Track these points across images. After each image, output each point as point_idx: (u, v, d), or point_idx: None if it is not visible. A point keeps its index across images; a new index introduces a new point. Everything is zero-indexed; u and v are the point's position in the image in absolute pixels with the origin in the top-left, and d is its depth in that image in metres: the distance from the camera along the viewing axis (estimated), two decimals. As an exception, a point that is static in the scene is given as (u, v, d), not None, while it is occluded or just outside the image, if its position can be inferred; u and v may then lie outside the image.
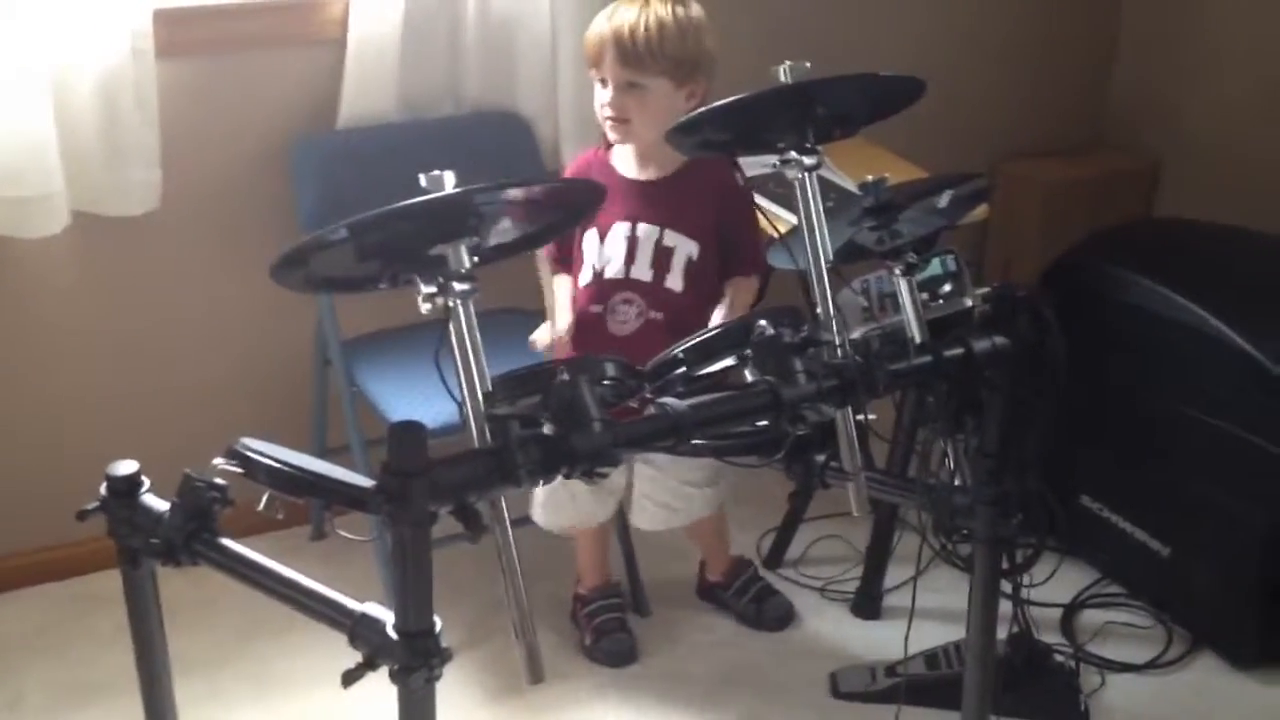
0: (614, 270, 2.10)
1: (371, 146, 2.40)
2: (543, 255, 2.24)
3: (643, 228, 2.08)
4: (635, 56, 1.99)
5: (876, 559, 2.45)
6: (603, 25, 2.02)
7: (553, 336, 2.08)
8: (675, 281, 2.09)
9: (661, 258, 2.09)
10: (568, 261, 2.16)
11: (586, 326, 2.10)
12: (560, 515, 2.28)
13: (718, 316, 2.06)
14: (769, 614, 2.43)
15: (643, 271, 2.09)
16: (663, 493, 2.27)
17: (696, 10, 2.05)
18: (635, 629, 2.38)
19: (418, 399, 2.21)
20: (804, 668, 2.32)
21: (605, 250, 2.09)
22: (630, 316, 2.10)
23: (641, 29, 1.99)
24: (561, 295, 2.14)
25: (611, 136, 2.09)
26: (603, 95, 2.05)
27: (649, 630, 2.41)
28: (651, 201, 2.09)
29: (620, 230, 2.09)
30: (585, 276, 2.12)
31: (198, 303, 2.49)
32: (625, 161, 2.13)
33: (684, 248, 2.09)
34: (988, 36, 3.13)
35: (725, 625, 2.45)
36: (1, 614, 2.43)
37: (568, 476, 1.32)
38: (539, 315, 2.25)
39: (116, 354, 2.46)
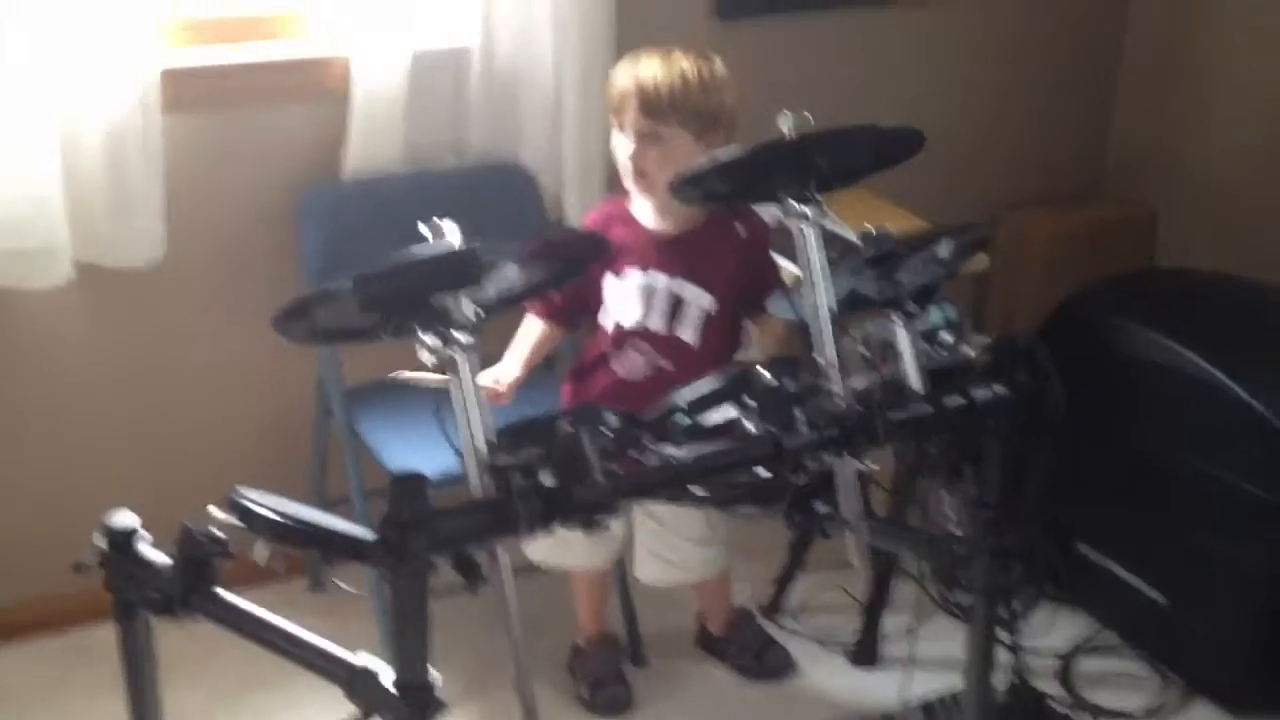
0: (630, 319, 2.11)
1: (376, 198, 2.41)
2: None
3: (658, 278, 2.10)
4: (658, 109, 2.01)
5: (875, 608, 2.43)
6: (627, 76, 2.04)
7: (493, 378, 2.01)
8: (688, 334, 2.10)
9: (675, 309, 2.10)
10: (553, 308, 2.14)
11: (601, 367, 2.13)
12: (553, 554, 2.26)
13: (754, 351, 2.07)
14: (768, 664, 2.42)
15: (656, 321, 2.10)
16: (662, 546, 2.27)
17: (719, 67, 2.07)
18: (632, 679, 2.37)
19: (419, 448, 2.18)
20: (802, 717, 2.30)
21: (621, 296, 2.11)
22: (639, 364, 2.11)
23: (666, 82, 2.00)
24: (521, 340, 2.13)
25: (632, 190, 2.10)
26: (625, 146, 2.06)
27: (646, 681, 2.39)
28: (669, 254, 2.10)
29: (635, 279, 2.10)
30: (609, 323, 2.13)
31: (201, 353, 2.49)
32: (646, 213, 2.14)
33: (698, 301, 2.10)
34: (987, 86, 3.15)
35: (723, 675, 2.43)
36: (4, 663, 2.41)
37: (568, 527, 1.32)
38: (541, 364, 2.25)
39: (119, 403, 2.46)
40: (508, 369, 2.07)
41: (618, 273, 2.11)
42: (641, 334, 2.11)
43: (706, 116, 2.03)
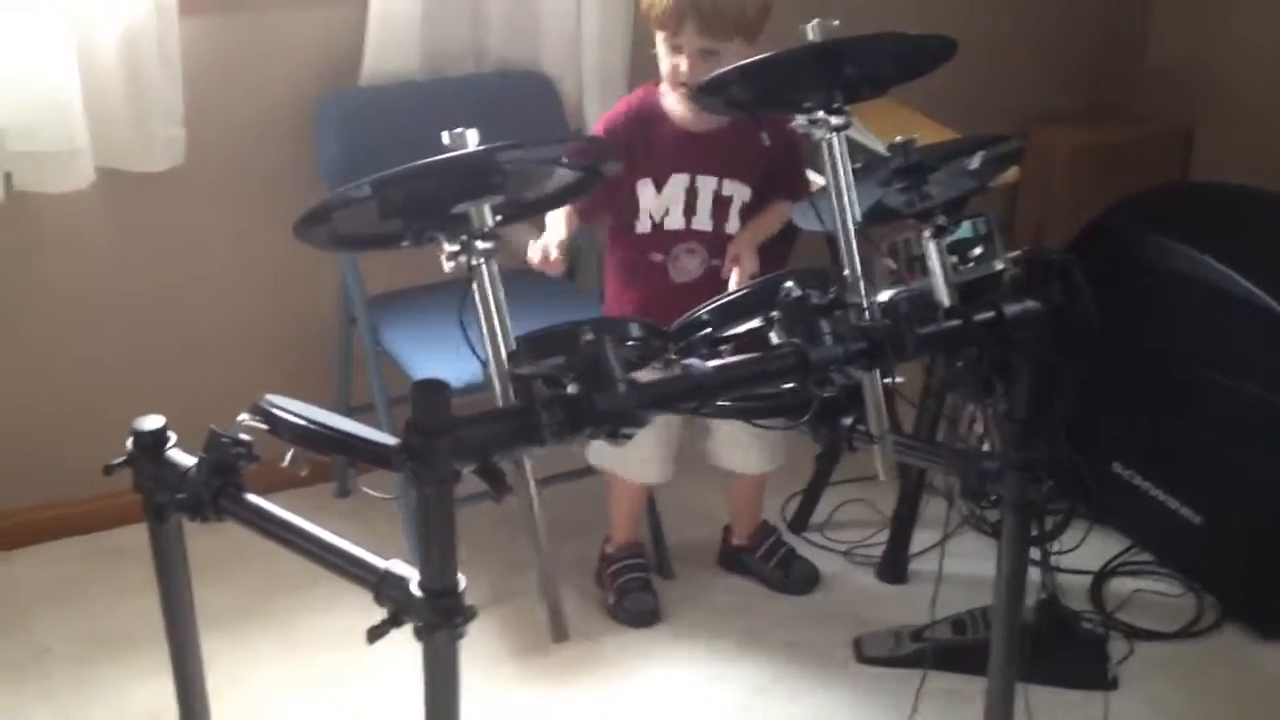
0: (674, 221, 2.10)
1: (394, 104, 2.39)
2: None
3: (702, 180, 2.09)
4: (720, 27, 1.96)
5: (903, 524, 2.43)
6: None
7: (541, 247, 1.95)
8: (733, 227, 2.11)
9: (720, 207, 2.10)
10: (589, 208, 2.07)
11: (648, 273, 2.12)
12: (622, 466, 2.30)
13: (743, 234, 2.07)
14: (795, 577, 2.43)
15: (703, 222, 2.10)
16: (746, 430, 2.24)
17: None
18: (659, 590, 2.38)
19: (442, 357, 2.20)
20: (828, 631, 2.32)
21: (663, 200, 2.09)
22: (693, 265, 2.11)
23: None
24: (558, 214, 2.03)
25: (683, 105, 2.05)
26: (674, 57, 2.01)
27: (673, 592, 2.41)
28: (709, 152, 2.08)
29: (679, 182, 2.08)
30: (644, 225, 2.11)
31: (222, 259, 2.49)
32: (680, 108, 2.09)
33: (740, 194, 2.10)
34: (1020, -4, 3.08)
35: (749, 588, 2.44)
36: (29, 566, 2.45)
37: (592, 437, 1.32)
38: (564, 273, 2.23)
39: (142, 309, 2.46)
40: (553, 235, 1.98)
41: (660, 175, 2.08)
42: (691, 235, 2.10)
43: (759, 21, 2.00)
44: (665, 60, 2.05)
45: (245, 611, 2.32)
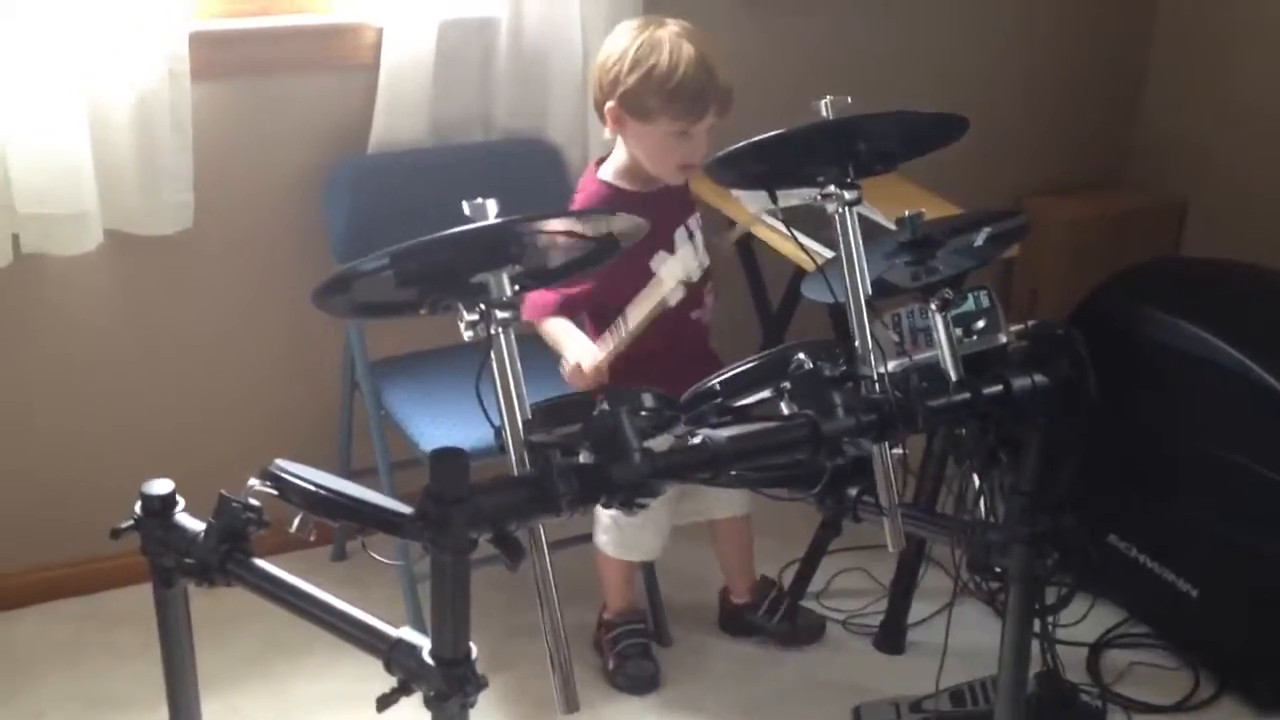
0: (696, 272, 2.13)
1: (402, 172, 2.41)
2: (532, 303, 2.02)
3: (693, 221, 2.18)
4: (728, 100, 2.04)
5: (901, 593, 2.43)
6: (694, 79, 1.98)
7: (590, 366, 1.94)
8: (705, 259, 2.19)
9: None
10: (570, 305, 2.07)
11: (676, 329, 2.07)
12: (632, 549, 2.31)
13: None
14: (802, 626, 2.43)
15: (706, 259, 2.19)
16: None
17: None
18: (658, 657, 2.37)
19: (445, 422, 2.21)
20: (828, 702, 2.30)
21: (682, 261, 2.09)
22: (710, 301, 2.20)
23: (722, 75, 2.01)
24: (568, 330, 2.05)
25: (677, 180, 2.12)
26: (679, 145, 2.03)
27: (672, 659, 2.40)
28: (674, 203, 2.16)
29: (682, 235, 2.15)
30: (677, 294, 2.07)
31: (229, 322, 2.49)
32: (625, 180, 2.14)
33: (700, 229, 2.20)
34: (1016, 72, 3.14)
35: (748, 656, 2.43)
36: (25, 628, 2.43)
37: (606, 506, 1.32)
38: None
39: (149, 372, 2.46)
40: (591, 350, 1.97)
41: (664, 239, 2.11)
42: (707, 273, 2.17)
43: None
44: (665, 150, 2.04)
45: (240, 676, 2.30)
